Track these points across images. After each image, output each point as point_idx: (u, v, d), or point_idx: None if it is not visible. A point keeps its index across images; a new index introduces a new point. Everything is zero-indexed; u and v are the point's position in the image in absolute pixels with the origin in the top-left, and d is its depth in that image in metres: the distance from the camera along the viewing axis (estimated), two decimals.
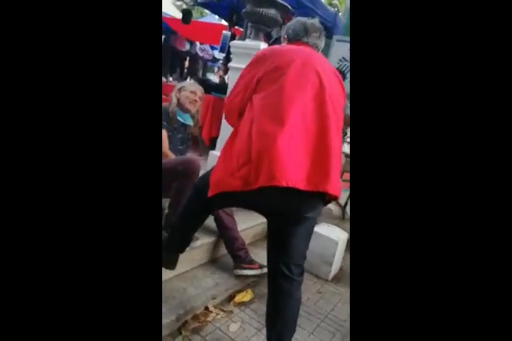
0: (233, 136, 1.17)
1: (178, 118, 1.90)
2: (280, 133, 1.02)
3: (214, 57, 7.96)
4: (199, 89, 1.93)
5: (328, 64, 1.26)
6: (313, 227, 1.20)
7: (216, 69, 9.74)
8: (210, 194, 1.14)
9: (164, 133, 1.81)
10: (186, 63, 7.56)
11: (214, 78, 7.88)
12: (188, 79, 6.76)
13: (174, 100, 1.90)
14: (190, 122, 1.97)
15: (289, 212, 1.11)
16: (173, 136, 1.88)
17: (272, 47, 1.33)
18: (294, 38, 1.34)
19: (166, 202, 1.68)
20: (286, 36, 1.38)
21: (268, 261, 1.22)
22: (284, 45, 1.34)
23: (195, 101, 1.90)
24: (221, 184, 1.11)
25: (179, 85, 1.97)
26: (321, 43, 1.37)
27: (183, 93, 1.89)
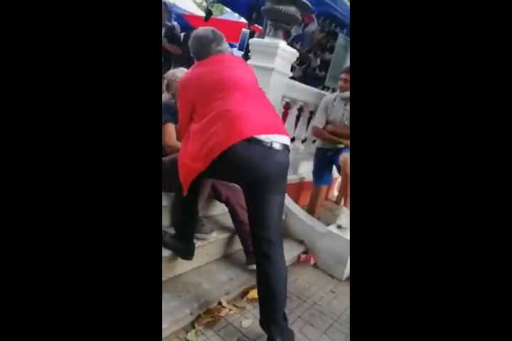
0: (185, 143, 1.42)
1: None
2: (231, 109, 1.25)
3: (232, 55, 7.97)
4: (182, 72, 1.83)
5: (237, 61, 1.52)
6: (283, 197, 1.33)
7: None
8: (185, 192, 1.39)
9: (172, 126, 1.80)
10: None
11: None
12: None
13: (168, 96, 1.88)
14: None
15: (257, 174, 1.24)
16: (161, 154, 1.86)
17: (185, 76, 1.45)
18: (198, 56, 1.46)
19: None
20: (195, 58, 1.49)
21: (252, 227, 1.32)
22: (202, 69, 1.42)
23: None
24: (188, 173, 1.35)
25: (164, 81, 1.90)
26: (224, 46, 1.49)
27: (172, 86, 1.84)
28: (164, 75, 1.95)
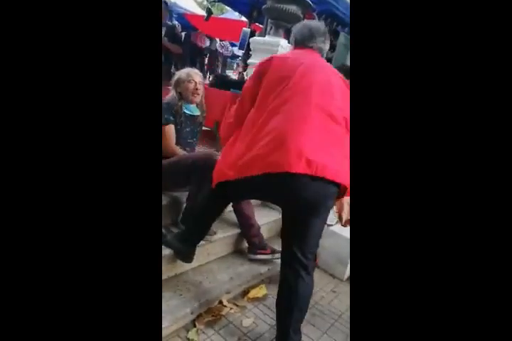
0: (235, 138, 1.33)
1: (185, 110, 1.84)
2: (294, 130, 1.12)
3: (233, 54, 7.97)
4: (196, 75, 1.84)
5: (329, 67, 1.34)
6: (327, 215, 1.24)
7: (235, 65, 9.77)
8: (213, 185, 1.32)
9: (171, 128, 1.77)
10: (206, 59, 7.60)
11: (233, 75, 7.90)
12: (208, 77, 6.79)
13: (176, 94, 1.84)
14: (197, 112, 1.92)
15: (300, 201, 1.15)
16: (181, 130, 1.84)
17: (272, 57, 1.33)
18: (301, 43, 1.40)
19: (184, 196, 1.71)
20: (293, 40, 1.44)
21: (284, 248, 1.26)
22: (286, 54, 1.38)
23: (197, 89, 1.82)
24: (219, 174, 1.28)
25: (175, 77, 1.87)
26: (326, 46, 1.42)
27: (182, 85, 1.82)
28: (177, 72, 1.92)
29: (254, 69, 1.35)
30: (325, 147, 1.12)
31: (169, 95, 1.86)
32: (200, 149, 2.08)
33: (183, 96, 1.83)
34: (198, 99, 1.87)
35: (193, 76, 1.82)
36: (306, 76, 1.21)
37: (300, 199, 1.13)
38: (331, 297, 1.82)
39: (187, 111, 1.86)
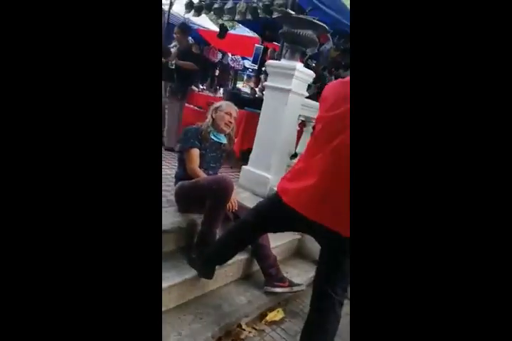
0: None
1: (212, 137, 1.95)
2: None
3: (244, 67, 8.12)
4: (234, 110, 1.99)
5: None
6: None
7: (245, 77, 9.91)
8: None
9: (196, 152, 1.87)
10: (217, 72, 7.74)
11: (243, 87, 8.00)
12: (219, 90, 6.90)
13: (209, 119, 1.97)
14: (224, 141, 2.02)
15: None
16: (206, 155, 1.94)
17: (328, 86, 1.31)
18: None
19: (199, 219, 1.76)
20: None
21: (315, 281, 1.28)
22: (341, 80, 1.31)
23: (230, 122, 1.96)
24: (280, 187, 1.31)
25: (216, 104, 2.03)
26: None
27: (219, 113, 1.95)
28: (219, 102, 2.07)
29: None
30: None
31: (204, 123, 1.98)
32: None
33: (215, 123, 1.95)
34: (227, 130, 1.99)
35: (232, 110, 1.98)
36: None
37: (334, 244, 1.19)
38: (346, 320, 1.83)
39: (214, 138, 1.96)
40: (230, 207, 1.79)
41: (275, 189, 2.77)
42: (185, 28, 3.54)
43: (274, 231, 1.57)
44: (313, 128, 1.38)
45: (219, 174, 2.02)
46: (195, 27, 6.20)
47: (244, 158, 3.10)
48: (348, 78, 1.20)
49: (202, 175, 1.85)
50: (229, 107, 1.99)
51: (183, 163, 1.92)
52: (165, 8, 4.55)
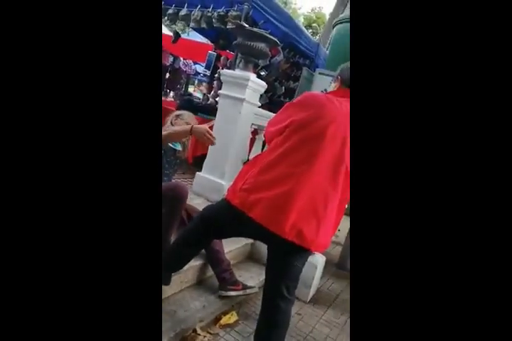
0: (254, 161, 1.34)
1: (169, 143, 1.96)
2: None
3: (196, 72, 8.09)
4: (194, 121, 2.02)
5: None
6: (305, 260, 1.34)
7: (196, 81, 9.86)
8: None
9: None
10: (167, 75, 7.63)
11: (193, 91, 7.95)
12: (169, 93, 6.80)
13: (168, 125, 1.98)
14: (179, 147, 2.04)
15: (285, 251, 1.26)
16: (161, 160, 1.95)
17: (315, 96, 1.32)
18: (347, 85, 1.33)
19: None
20: (339, 79, 1.38)
21: (266, 282, 1.34)
22: (328, 96, 1.29)
23: None
24: (229, 194, 1.32)
25: (178, 112, 2.06)
26: None
27: (179, 121, 1.98)
28: (180, 111, 2.13)
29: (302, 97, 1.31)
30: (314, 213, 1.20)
31: (164, 125, 1.98)
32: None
33: None
34: (185, 139, 2.01)
35: (192, 121, 2.00)
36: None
37: (284, 250, 1.26)
38: (296, 319, 1.93)
39: (170, 144, 1.96)
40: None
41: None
42: None
43: (223, 238, 1.64)
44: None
45: (173, 181, 2.03)
46: None
47: (196, 164, 3.13)
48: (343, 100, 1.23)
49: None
50: (190, 117, 2.03)
51: None
52: None
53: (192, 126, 1.56)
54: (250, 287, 1.89)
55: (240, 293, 1.85)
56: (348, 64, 1.38)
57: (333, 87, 1.42)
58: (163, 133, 1.65)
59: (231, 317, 1.77)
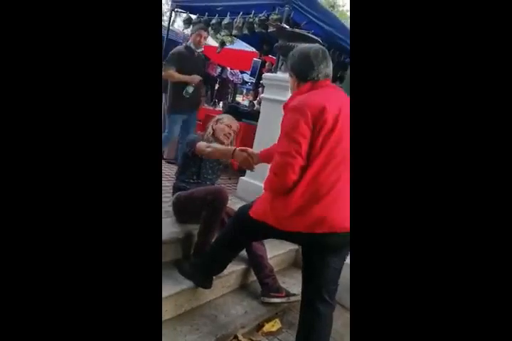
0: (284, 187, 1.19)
1: None
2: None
3: (243, 81, 8.24)
4: (235, 124, 2.04)
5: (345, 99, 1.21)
6: (347, 254, 1.27)
7: (244, 91, 10.04)
8: (251, 214, 1.29)
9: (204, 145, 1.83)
10: (216, 86, 7.86)
11: (242, 101, 8.09)
12: (218, 104, 6.99)
13: (210, 130, 2.02)
14: None
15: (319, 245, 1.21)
16: (204, 165, 1.97)
17: (304, 98, 1.20)
18: (304, 79, 1.24)
19: (195, 230, 1.77)
20: (294, 77, 1.29)
21: (304, 285, 1.30)
22: (309, 96, 1.20)
23: (230, 134, 2.01)
24: (264, 216, 1.24)
25: (218, 117, 2.09)
26: (330, 71, 1.28)
27: (219, 125, 2.00)
28: (220, 115, 2.14)
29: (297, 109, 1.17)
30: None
31: (203, 131, 2.03)
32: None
33: (215, 135, 2.00)
34: (227, 141, 2.02)
35: (232, 122, 2.03)
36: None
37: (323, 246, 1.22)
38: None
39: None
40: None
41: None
42: None
43: (258, 239, 1.65)
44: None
45: (215, 185, 2.03)
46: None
47: (241, 169, 3.13)
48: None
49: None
50: (229, 120, 2.04)
51: (187, 164, 1.94)
52: (165, 24, 4.67)
53: (235, 149, 1.56)
54: (294, 294, 1.81)
55: (283, 300, 1.77)
56: (293, 52, 1.30)
57: (292, 86, 1.33)
58: (208, 149, 1.70)
59: (274, 325, 1.71)
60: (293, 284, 2.01)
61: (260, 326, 1.68)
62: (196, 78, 2.87)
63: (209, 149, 1.68)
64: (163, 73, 2.91)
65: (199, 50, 3.03)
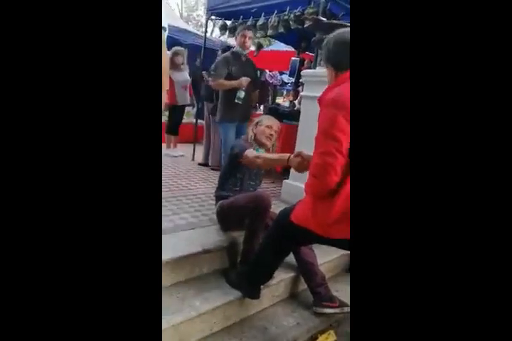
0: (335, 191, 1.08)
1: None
2: None
3: (283, 82, 8.16)
4: (275, 123, 1.95)
5: None
6: None
7: (284, 92, 9.94)
8: (292, 219, 1.22)
9: (251, 152, 1.72)
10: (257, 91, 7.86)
11: (282, 102, 8.01)
12: (259, 107, 6.98)
13: (251, 134, 1.95)
14: None
15: None
16: (247, 173, 1.91)
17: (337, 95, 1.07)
18: (342, 67, 1.12)
19: (240, 237, 1.71)
20: (331, 67, 1.18)
21: None
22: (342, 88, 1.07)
23: (271, 135, 1.91)
24: (306, 222, 1.17)
25: (256, 120, 2.01)
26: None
27: (259, 128, 1.93)
28: (260, 118, 2.03)
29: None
30: None
31: (247, 136, 1.96)
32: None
33: (256, 138, 1.92)
34: (269, 143, 1.93)
35: (272, 123, 1.94)
36: None
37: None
38: None
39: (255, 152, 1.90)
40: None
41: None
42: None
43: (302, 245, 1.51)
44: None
45: (258, 190, 1.96)
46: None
47: (284, 172, 3.04)
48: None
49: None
50: (269, 120, 1.96)
51: (234, 171, 1.89)
52: (202, 33, 4.73)
53: (289, 157, 1.47)
54: (348, 305, 1.67)
55: (337, 310, 1.64)
56: (327, 40, 1.19)
57: (330, 78, 1.21)
58: (258, 160, 1.60)
59: (328, 337, 1.59)
60: (347, 292, 1.87)
61: (313, 338, 1.58)
62: (244, 81, 2.71)
63: (259, 160, 1.59)
64: (211, 83, 2.87)
65: (245, 52, 2.90)
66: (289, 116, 3.66)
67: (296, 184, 2.50)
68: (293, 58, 5.30)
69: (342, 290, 1.89)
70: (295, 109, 4.68)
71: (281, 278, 1.69)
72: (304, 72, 2.53)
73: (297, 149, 2.54)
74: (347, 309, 1.64)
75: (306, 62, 5.00)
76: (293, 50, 5.50)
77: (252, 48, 5.72)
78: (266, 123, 1.92)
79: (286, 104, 6.74)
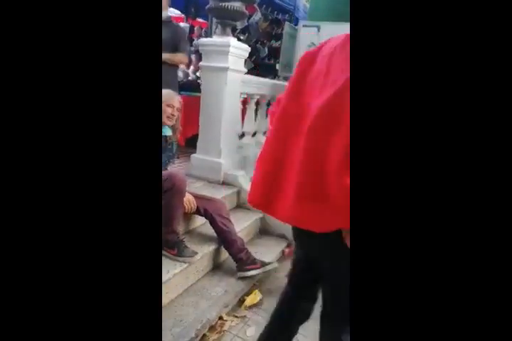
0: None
1: None
2: None
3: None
4: (177, 100, 1.77)
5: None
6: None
7: None
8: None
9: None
10: None
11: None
12: None
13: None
14: (168, 133, 1.85)
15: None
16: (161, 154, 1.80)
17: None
18: None
19: None
20: None
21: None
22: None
23: (173, 115, 1.75)
24: None
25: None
26: None
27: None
28: None
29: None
30: None
31: None
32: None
33: None
34: (171, 122, 1.78)
35: (174, 101, 1.74)
36: None
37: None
38: None
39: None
40: (188, 209, 1.70)
41: (229, 173, 2.66)
42: None
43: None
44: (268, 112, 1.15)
45: (168, 170, 1.87)
46: None
47: (189, 145, 2.97)
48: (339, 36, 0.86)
49: None
50: (169, 98, 1.73)
51: None
52: None
53: None
54: (269, 263, 1.82)
55: (260, 271, 1.78)
56: None
57: None
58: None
59: (255, 297, 1.72)
60: (266, 252, 2.03)
61: (242, 301, 1.69)
62: None
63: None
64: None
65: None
66: (186, 88, 3.52)
67: (205, 157, 2.49)
68: (181, 24, 5.00)
69: (260, 251, 2.04)
70: (189, 78, 4.51)
71: (204, 252, 1.72)
72: (200, 41, 2.42)
73: (201, 123, 2.51)
74: (268, 267, 1.79)
75: (196, 28, 4.78)
76: (180, 15, 5.17)
77: None
78: (166, 102, 1.72)
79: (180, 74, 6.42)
